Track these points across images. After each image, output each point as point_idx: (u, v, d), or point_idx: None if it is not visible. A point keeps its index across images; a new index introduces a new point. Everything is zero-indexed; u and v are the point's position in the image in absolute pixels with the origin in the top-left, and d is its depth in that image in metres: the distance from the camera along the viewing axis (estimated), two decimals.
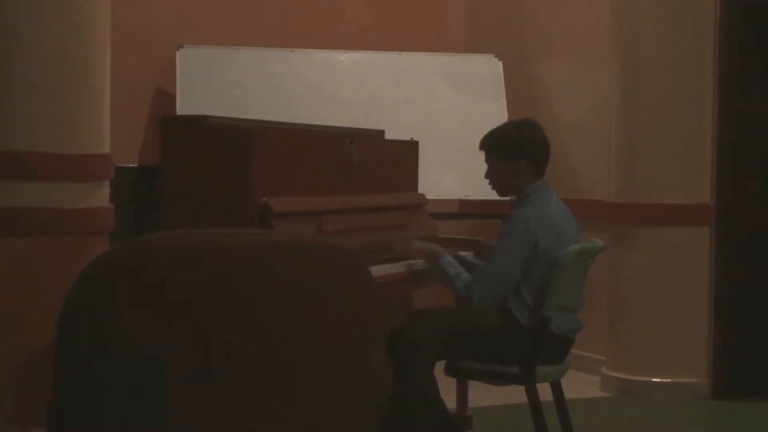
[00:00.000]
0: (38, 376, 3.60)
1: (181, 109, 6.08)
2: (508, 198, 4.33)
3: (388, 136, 5.02)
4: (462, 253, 4.51)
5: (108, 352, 3.17)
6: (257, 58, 6.47)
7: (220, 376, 3.20)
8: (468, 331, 4.06)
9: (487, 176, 4.21)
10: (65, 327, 3.26)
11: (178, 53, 6.27)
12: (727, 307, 5.85)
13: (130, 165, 4.83)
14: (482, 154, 4.21)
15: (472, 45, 7.28)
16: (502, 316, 4.05)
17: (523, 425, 4.44)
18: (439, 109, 6.66)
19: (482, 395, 4.99)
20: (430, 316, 4.10)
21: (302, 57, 6.58)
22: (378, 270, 4.02)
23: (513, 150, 4.13)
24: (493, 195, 4.30)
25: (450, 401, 4.24)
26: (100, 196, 4.19)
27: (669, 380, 5.84)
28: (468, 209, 6.84)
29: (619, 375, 5.95)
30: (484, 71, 6.79)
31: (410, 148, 4.95)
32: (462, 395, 4.60)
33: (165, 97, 6.36)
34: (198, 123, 3.99)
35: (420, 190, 4.95)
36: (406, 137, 5.05)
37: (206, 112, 4.29)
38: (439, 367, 4.07)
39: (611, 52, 6.10)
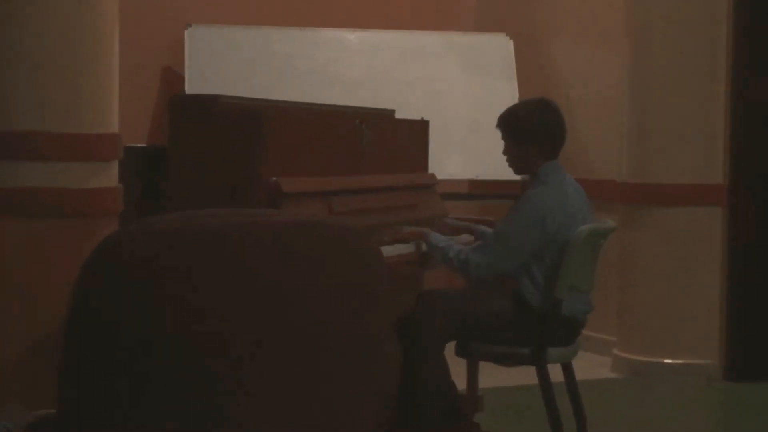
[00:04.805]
0: (46, 359, 3.59)
1: (189, 89, 6.05)
2: (519, 177, 4.29)
3: (397, 115, 4.99)
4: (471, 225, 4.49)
5: (117, 334, 3.16)
6: (266, 37, 6.43)
7: (227, 358, 3.18)
8: (479, 312, 4.04)
9: (504, 153, 4.17)
10: (74, 309, 3.25)
11: (186, 32, 6.24)
12: (739, 288, 5.81)
13: (139, 145, 4.82)
14: (495, 133, 4.18)
15: (482, 24, 7.23)
16: (513, 297, 4.03)
17: (533, 406, 4.42)
18: (449, 89, 6.62)
19: (493, 376, 4.96)
20: (441, 297, 4.07)
21: (311, 36, 6.54)
22: (388, 250, 4.00)
23: (523, 134, 4.09)
24: (503, 175, 4.28)
25: (460, 382, 4.23)
26: (109, 176, 4.17)
27: (680, 362, 5.81)
28: (478, 189, 6.80)
29: (631, 356, 5.92)
30: (495, 51, 6.74)
31: (420, 127, 4.91)
32: (472, 376, 4.58)
33: (174, 76, 6.33)
34: (206, 103, 3.96)
35: (430, 171, 4.92)
36: (415, 117, 5.02)
37: (215, 92, 4.25)
38: (450, 348, 4.06)
39: (623, 31, 6.05)
